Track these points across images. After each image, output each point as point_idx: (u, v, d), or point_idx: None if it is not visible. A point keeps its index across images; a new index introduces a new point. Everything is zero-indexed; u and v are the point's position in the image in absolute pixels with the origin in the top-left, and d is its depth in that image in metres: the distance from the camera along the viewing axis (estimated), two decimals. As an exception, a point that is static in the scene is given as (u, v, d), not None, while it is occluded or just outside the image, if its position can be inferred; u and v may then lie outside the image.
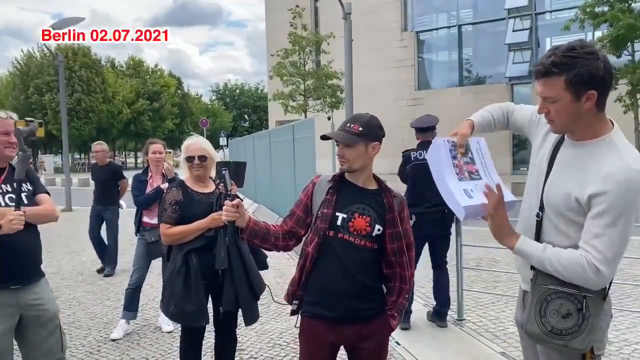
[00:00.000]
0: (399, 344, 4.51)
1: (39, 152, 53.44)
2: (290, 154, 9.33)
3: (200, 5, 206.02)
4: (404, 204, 2.47)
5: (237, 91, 75.72)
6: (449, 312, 5.20)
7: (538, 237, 1.99)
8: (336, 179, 2.45)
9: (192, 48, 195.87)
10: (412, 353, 4.32)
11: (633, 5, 16.81)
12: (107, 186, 7.35)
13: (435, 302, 5.01)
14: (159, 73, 59.66)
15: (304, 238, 2.50)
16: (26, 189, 2.88)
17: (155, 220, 4.91)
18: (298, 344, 4.49)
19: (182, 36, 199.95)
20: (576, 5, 19.00)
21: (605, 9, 16.91)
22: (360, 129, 2.33)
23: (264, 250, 3.38)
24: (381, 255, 2.40)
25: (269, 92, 32.71)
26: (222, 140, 39.86)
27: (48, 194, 3.04)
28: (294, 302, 2.48)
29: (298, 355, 4.25)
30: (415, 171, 4.85)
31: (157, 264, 5.22)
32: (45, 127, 46.83)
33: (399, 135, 18.01)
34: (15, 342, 2.90)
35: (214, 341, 3.59)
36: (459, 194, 2.05)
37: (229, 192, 2.43)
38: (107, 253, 7.48)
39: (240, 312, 3.38)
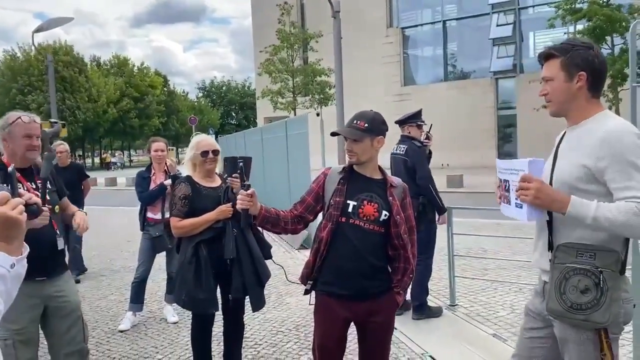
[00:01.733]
0: (395, 329, 4.73)
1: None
2: (284, 150, 9.52)
3: (183, 2, 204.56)
4: (407, 191, 2.77)
5: (224, 88, 75.50)
6: (442, 299, 5.47)
7: (551, 222, 2.13)
8: (346, 170, 2.72)
9: (176, 45, 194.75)
10: (409, 337, 4.55)
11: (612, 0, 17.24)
12: (71, 187, 6.82)
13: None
14: (145, 71, 59.31)
15: (313, 224, 2.77)
16: (48, 188, 3.03)
17: (159, 216, 5.09)
18: (299, 331, 4.74)
19: (166, 33, 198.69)
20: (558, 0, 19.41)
21: (584, 5, 17.33)
22: (366, 125, 2.61)
23: (268, 242, 3.64)
24: (387, 238, 2.65)
25: (257, 89, 32.82)
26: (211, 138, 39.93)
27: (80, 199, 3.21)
28: (308, 282, 2.73)
29: (300, 342, 4.49)
30: (391, 164, 5.10)
31: (158, 260, 5.40)
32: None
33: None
34: (41, 332, 3.07)
35: (222, 328, 3.81)
36: (516, 214, 2.16)
37: (244, 183, 2.67)
38: (72, 257, 6.83)
39: (247, 300, 3.61)
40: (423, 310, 4.99)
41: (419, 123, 5.19)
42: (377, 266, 2.64)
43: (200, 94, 75.34)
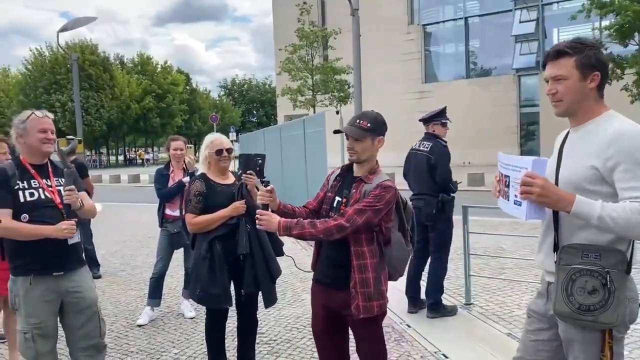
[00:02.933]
0: (409, 327, 4.76)
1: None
2: (302, 148, 9.56)
3: (205, 1, 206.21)
4: (380, 186, 2.66)
5: (245, 86, 75.96)
6: (457, 298, 5.45)
7: (556, 222, 2.12)
8: (344, 168, 2.85)
9: (198, 44, 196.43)
10: (423, 335, 4.55)
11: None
12: None
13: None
14: (167, 70, 59.99)
15: None
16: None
17: (177, 213, 5.17)
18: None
19: (188, 32, 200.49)
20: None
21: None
22: (369, 124, 2.68)
23: (280, 239, 3.70)
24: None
25: (278, 87, 32.97)
26: (232, 135, 40.21)
27: (87, 191, 3.30)
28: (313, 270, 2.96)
29: (314, 338, 4.53)
30: (409, 159, 5.13)
31: (176, 256, 5.49)
32: (56, 125, 47.36)
33: (406, 129, 18.20)
34: (60, 325, 3.16)
35: (236, 324, 3.87)
36: (513, 211, 2.13)
37: (263, 179, 2.80)
38: (86, 257, 7.03)
39: (259, 296, 3.67)
40: (438, 309, 4.98)
41: (443, 121, 5.15)
42: (335, 260, 2.77)
43: (222, 92, 75.96)
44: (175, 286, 6.27)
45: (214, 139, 3.68)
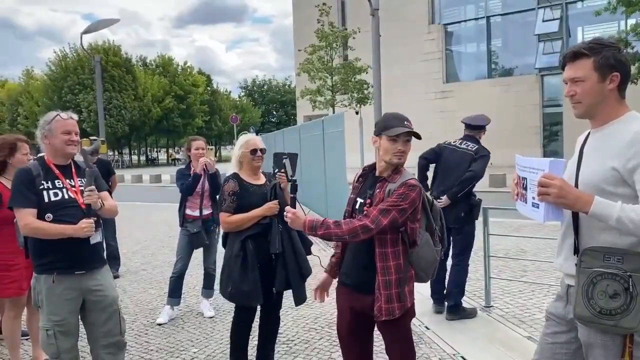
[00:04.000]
0: (428, 329, 4.72)
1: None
2: (321, 148, 9.57)
3: (225, 2, 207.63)
4: (404, 185, 2.64)
5: (265, 87, 76.27)
6: (477, 300, 5.39)
7: (577, 225, 2.09)
8: (366, 169, 2.84)
9: (218, 45, 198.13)
10: (442, 337, 4.52)
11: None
12: None
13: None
14: (188, 71, 60.54)
15: None
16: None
17: (197, 213, 5.23)
18: (332, 328, 4.77)
19: (209, 33, 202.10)
20: (609, -7, 18.73)
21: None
22: (412, 126, 2.69)
23: (309, 238, 3.78)
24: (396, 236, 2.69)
25: (297, 88, 33.02)
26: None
27: (108, 191, 3.36)
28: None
29: (332, 339, 4.53)
30: (443, 152, 5.11)
31: (195, 255, 5.53)
32: (80, 125, 48.15)
33: (427, 129, 18.07)
34: (81, 323, 3.21)
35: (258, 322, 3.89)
36: (531, 213, 2.12)
37: (290, 178, 2.81)
38: (108, 254, 6.56)
39: (282, 294, 3.76)
40: (457, 311, 4.94)
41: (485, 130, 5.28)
42: (359, 261, 2.76)
43: (242, 93, 76.39)
44: (195, 285, 6.32)
45: (249, 139, 3.76)
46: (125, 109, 48.21)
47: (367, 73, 23.95)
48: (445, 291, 5.06)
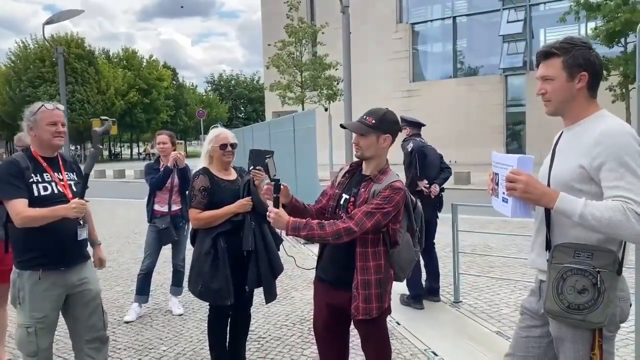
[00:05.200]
0: (399, 324, 4.77)
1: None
2: (291, 145, 9.53)
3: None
4: (390, 187, 2.63)
5: (233, 82, 75.55)
6: (446, 296, 5.47)
7: (549, 222, 2.14)
8: (353, 166, 2.82)
9: (184, 39, 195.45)
10: (412, 332, 4.57)
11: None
12: None
13: (426, 282, 5.40)
14: (153, 64, 59.47)
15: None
16: (74, 179, 3.12)
17: (165, 209, 5.14)
18: (303, 325, 4.77)
19: (174, 27, 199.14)
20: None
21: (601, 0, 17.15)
22: (373, 121, 2.66)
23: (279, 236, 3.72)
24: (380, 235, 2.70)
25: (266, 83, 32.82)
26: (218, 132, 40.00)
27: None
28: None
29: (304, 335, 4.52)
30: (423, 153, 5.32)
31: (163, 252, 5.43)
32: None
33: (394, 126, 18.22)
34: (63, 318, 3.14)
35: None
36: (501, 208, 2.17)
37: (274, 177, 2.81)
38: None
39: (251, 292, 3.69)
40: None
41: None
42: (341, 260, 2.74)
43: (209, 88, 75.52)
44: (162, 283, 6.22)
45: (219, 133, 3.67)
46: (89, 102, 47.05)
47: (336, 69, 23.97)
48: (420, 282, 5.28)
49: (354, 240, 2.62)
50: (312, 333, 4.46)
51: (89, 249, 3.27)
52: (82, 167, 3.23)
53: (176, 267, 5.40)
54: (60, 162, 3.09)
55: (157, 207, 5.18)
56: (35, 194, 2.88)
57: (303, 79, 25.77)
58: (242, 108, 75.12)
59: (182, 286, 5.46)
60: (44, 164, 2.99)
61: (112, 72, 52.66)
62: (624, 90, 17.51)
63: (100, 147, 3.12)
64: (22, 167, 2.89)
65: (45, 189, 2.92)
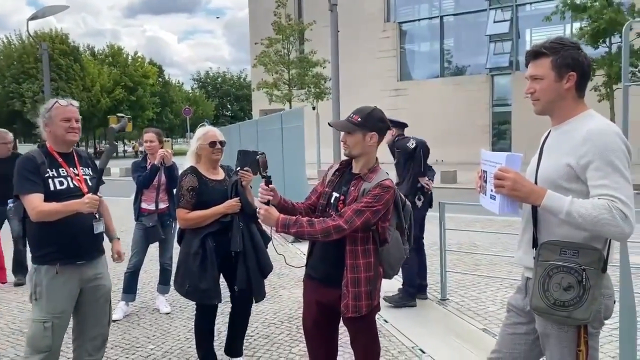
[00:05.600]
0: (386, 322, 4.79)
1: (17, 141, 52.69)
2: (279, 143, 9.52)
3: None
4: (380, 186, 2.64)
5: (219, 79, 75.18)
6: (433, 293, 5.51)
7: (535, 219, 2.17)
8: (343, 164, 2.83)
9: (170, 36, 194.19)
10: (400, 330, 4.59)
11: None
12: (6, 181, 5.42)
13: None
14: (139, 61, 58.97)
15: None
16: (90, 174, 3.14)
17: (152, 207, 5.11)
18: (291, 323, 4.77)
19: (160, 24, 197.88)
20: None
21: (587, 0, 17.34)
22: (359, 119, 2.67)
23: (268, 234, 3.73)
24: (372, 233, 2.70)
25: (253, 81, 32.73)
26: (205, 129, 39.73)
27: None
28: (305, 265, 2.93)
29: (292, 334, 4.53)
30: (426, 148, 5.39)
31: (151, 250, 5.40)
32: (24, 116, 46.34)
33: (382, 125, 18.26)
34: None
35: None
36: (489, 205, 2.19)
37: (265, 175, 2.79)
38: (14, 259, 6.24)
39: (250, 291, 3.69)
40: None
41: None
42: (329, 258, 2.74)
43: (195, 85, 75.10)
44: (149, 281, 6.19)
45: (207, 131, 3.66)
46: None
47: (323, 67, 23.96)
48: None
49: (343, 238, 2.63)
50: (300, 331, 4.51)
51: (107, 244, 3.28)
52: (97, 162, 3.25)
53: (163, 266, 5.37)
54: (76, 158, 3.12)
55: (144, 205, 5.15)
56: (52, 188, 2.92)
57: (290, 77, 25.72)
58: (228, 106, 74.76)
59: (170, 284, 5.43)
60: (59, 159, 3.02)
61: (97, 69, 52.12)
62: (608, 90, 17.73)
63: (116, 143, 3.14)
64: (37, 163, 2.92)
65: (61, 183, 2.96)
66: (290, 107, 24.37)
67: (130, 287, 5.18)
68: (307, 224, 2.58)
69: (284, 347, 4.32)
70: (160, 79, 61.84)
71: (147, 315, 5.19)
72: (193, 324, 4.82)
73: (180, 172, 3.79)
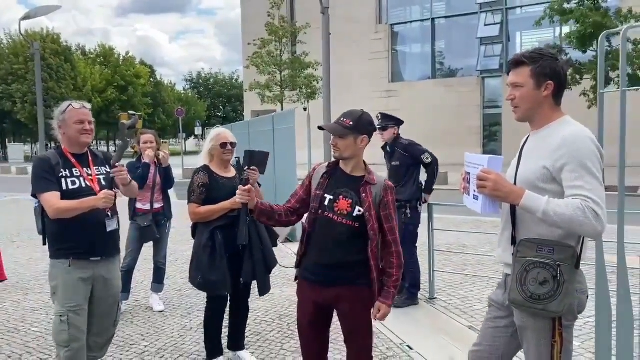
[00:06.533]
0: (374, 319, 4.90)
1: (7, 140, 52.38)
2: (271, 144, 9.61)
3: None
4: (389, 190, 2.80)
5: (211, 80, 75.09)
6: (422, 292, 5.63)
7: (514, 219, 2.30)
8: (331, 166, 2.89)
9: (161, 35, 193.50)
10: (388, 327, 4.70)
11: (601, 3, 17.46)
12: None
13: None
14: (130, 61, 58.76)
15: (305, 215, 2.96)
16: (104, 173, 3.24)
17: (147, 207, 5.19)
18: (282, 320, 4.87)
19: (151, 23, 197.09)
20: (546, 0, 19.64)
21: (573, 5, 17.54)
22: (351, 123, 2.75)
23: (275, 232, 3.95)
24: (363, 233, 2.75)
25: (245, 82, 32.73)
26: (198, 130, 39.65)
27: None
28: (297, 268, 2.98)
29: (283, 331, 4.63)
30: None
31: (144, 250, 5.46)
32: (15, 116, 46.05)
33: (373, 127, 18.36)
34: None
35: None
36: (472, 205, 2.33)
37: (242, 176, 2.93)
38: None
39: (251, 284, 3.90)
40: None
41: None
42: (345, 258, 2.75)
43: (187, 86, 74.96)
44: (142, 280, 6.27)
45: (219, 133, 3.87)
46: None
47: (315, 69, 24.05)
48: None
49: (337, 241, 2.74)
50: (292, 328, 4.64)
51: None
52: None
53: (157, 265, 5.45)
54: (90, 158, 3.22)
55: (139, 205, 5.22)
56: (64, 187, 3.03)
57: (283, 78, 25.79)
58: (220, 107, 74.67)
59: (163, 283, 5.52)
60: (73, 160, 3.14)
61: (89, 69, 51.89)
62: (596, 94, 17.93)
63: (128, 140, 3.26)
64: (52, 164, 3.05)
65: (74, 183, 3.07)
66: (282, 109, 24.44)
67: (124, 286, 5.23)
68: (394, 281, 2.79)
69: (275, 343, 4.43)
70: (151, 80, 61.63)
71: (140, 313, 5.28)
72: (186, 322, 4.95)
73: (193, 170, 3.98)
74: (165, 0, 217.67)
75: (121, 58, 58.23)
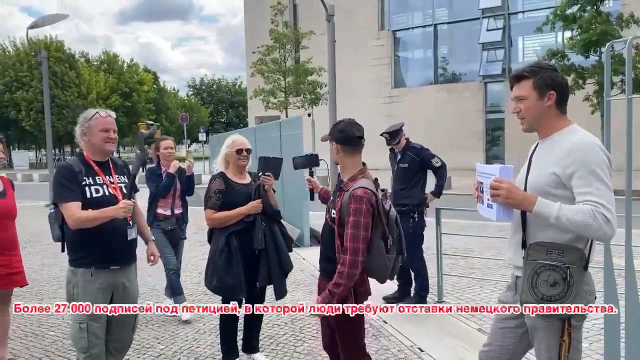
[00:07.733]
0: (386, 322, 4.99)
1: (12, 147, 52.59)
2: (277, 150, 9.71)
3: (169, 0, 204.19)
4: (352, 198, 2.77)
5: (214, 86, 75.34)
6: (430, 296, 5.72)
7: (524, 223, 2.39)
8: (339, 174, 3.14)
9: (163, 42, 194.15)
10: (399, 330, 4.80)
11: (602, 9, 17.56)
12: None
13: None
14: (134, 68, 59.03)
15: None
16: (125, 182, 3.27)
17: (168, 212, 5.28)
18: (294, 324, 4.96)
19: (153, 30, 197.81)
20: (548, 6, 19.75)
21: (575, 9, 17.63)
22: (329, 132, 3.07)
23: (290, 236, 4.08)
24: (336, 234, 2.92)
25: (249, 88, 32.88)
26: (202, 136, 39.80)
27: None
28: None
29: (295, 334, 4.72)
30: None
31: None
32: (20, 123, 46.27)
33: (375, 133, 18.47)
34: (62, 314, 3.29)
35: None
36: (487, 213, 2.41)
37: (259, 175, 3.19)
38: None
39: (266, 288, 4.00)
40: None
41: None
42: (326, 253, 3.00)
43: (190, 92, 75.16)
44: (155, 285, 6.36)
45: (235, 139, 3.97)
46: (69, 107, 46.44)
47: (319, 75, 24.17)
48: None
49: (326, 239, 2.97)
50: (304, 331, 4.75)
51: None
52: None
53: (173, 269, 5.52)
54: (112, 166, 3.25)
55: (160, 210, 5.28)
56: (88, 196, 3.05)
57: (287, 85, 25.94)
58: (223, 112, 74.88)
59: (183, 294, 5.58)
60: (96, 168, 3.15)
61: (93, 76, 52.12)
62: (600, 99, 18.00)
63: (147, 148, 3.31)
64: (75, 171, 3.06)
65: (97, 191, 3.09)
66: (287, 116, 24.55)
67: (178, 288, 5.31)
68: (333, 285, 2.71)
69: (289, 346, 4.52)
70: (155, 86, 61.89)
71: (154, 317, 5.36)
72: (200, 325, 5.04)
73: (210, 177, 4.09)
74: (166, 7, 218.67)
75: (125, 65, 58.49)
